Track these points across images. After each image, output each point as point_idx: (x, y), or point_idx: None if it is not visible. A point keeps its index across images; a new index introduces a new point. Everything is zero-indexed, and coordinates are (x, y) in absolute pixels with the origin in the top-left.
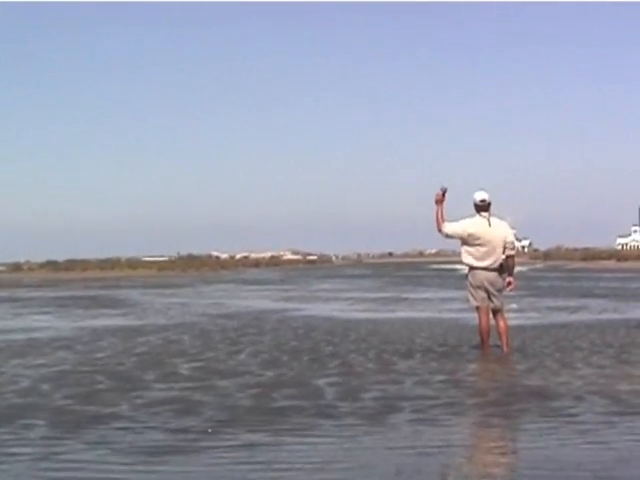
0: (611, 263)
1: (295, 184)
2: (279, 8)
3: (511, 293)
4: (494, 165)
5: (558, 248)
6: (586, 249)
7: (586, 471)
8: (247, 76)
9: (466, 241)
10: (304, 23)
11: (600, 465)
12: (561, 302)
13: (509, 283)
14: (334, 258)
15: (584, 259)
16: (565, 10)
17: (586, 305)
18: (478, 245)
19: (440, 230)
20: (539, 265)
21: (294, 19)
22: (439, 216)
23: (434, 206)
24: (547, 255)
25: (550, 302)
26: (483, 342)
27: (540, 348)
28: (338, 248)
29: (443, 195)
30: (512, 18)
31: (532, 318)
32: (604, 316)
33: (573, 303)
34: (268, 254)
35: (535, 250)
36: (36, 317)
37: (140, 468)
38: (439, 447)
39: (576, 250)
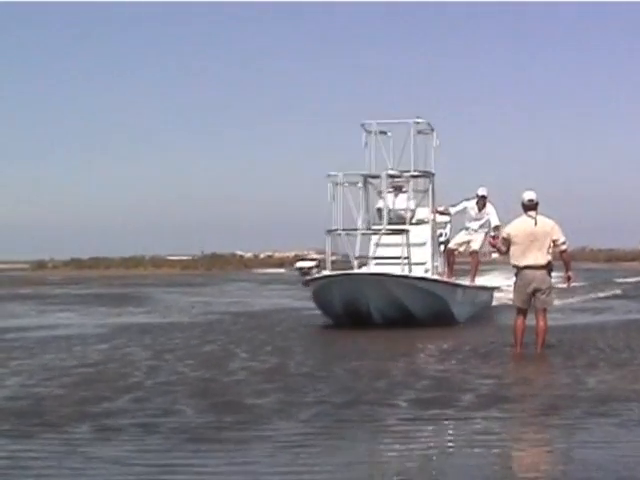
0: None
1: (319, 183)
2: (279, 9)
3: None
4: (519, 165)
5: (582, 249)
6: (610, 250)
7: (608, 471)
8: (268, 73)
9: (511, 242)
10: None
11: (622, 466)
12: None
13: (569, 278)
14: None
15: (609, 260)
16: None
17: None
18: (521, 244)
19: (506, 253)
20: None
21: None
22: (502, 250)
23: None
24: (572, 256)
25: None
26: (517, 342)
27: (572, 349)
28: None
29: (494, 239)
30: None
31: (558, 319)
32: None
33: None
34: (292, 253)
35: None
36: (62, 314)
37: None
38: (464, 446)
39: (600, 251)
